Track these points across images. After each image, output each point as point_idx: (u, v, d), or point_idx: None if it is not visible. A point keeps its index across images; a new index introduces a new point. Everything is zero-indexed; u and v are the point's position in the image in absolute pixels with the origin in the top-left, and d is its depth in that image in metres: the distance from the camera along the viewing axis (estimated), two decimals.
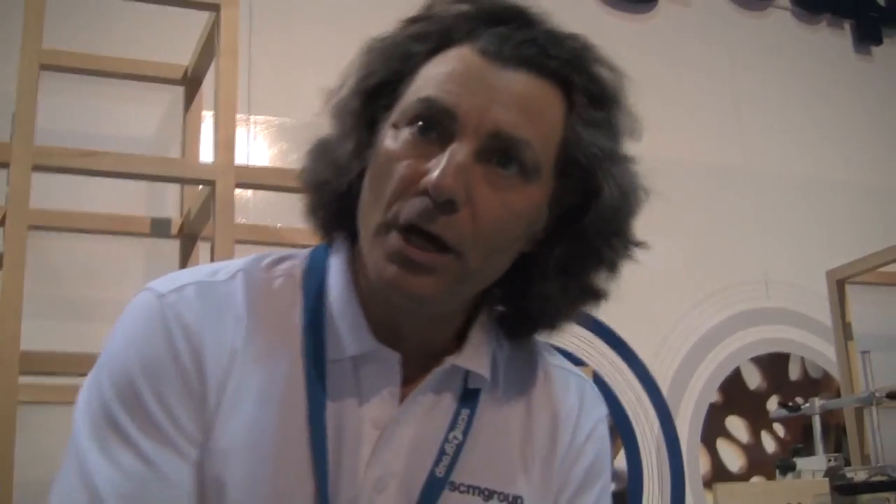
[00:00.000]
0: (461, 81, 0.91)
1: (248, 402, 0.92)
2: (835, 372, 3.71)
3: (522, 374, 1.07)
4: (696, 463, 3.64)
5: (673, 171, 3.83)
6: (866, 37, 4.49)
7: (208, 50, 2.61)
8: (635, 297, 3.52)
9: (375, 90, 0.96)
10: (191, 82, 2.89)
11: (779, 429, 3.80)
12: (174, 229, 2.78)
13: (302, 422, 0.92)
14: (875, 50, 4.52)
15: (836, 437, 3.76)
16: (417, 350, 0.98)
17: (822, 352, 3.88)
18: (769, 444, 3.78)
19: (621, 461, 3.48)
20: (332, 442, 0.92)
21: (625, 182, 0.98)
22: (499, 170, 0.90)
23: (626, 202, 0.99)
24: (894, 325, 3.87)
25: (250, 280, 0.98)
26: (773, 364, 3.87)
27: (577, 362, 3.32)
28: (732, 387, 3.78)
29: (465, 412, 0.99)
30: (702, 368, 3.74)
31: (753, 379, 3.84)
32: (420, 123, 0.91)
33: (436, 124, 0.90)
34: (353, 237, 0.99)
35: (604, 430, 1.11)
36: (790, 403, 3.29)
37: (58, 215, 2.65)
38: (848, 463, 3.15)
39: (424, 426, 0.97)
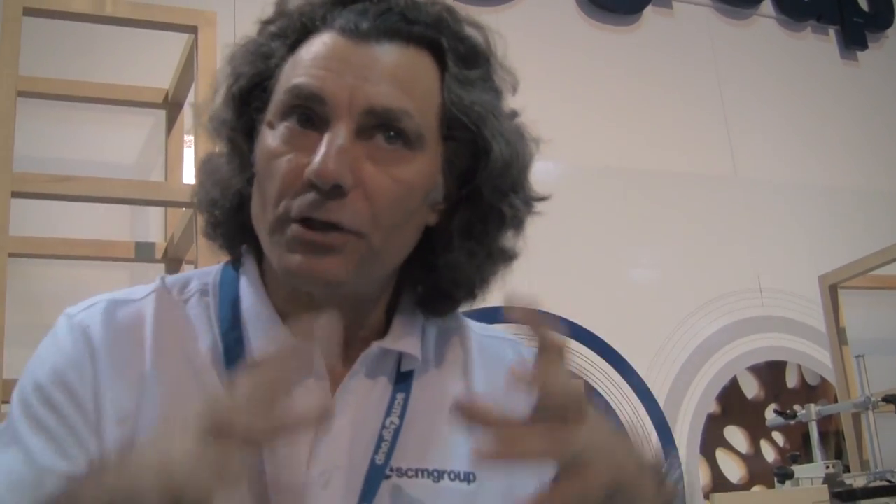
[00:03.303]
0: (325, 64, 0.90)
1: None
2: (832, 378, 3.69)
3: (455, 349, 1.06)
4: (696, 474, 3.61)
5: (662, 181, 3.83)
6: (852, 42, 4.50)
7: (188, 72, 2.60)
8: (629, 309, 3.56)
9: (244, 95, 0.95)
10: (172, 105, 2.88)
11: (778, 437, 3.78)
12: (158, 253, 2.77)
13: None
14: (861, 55, 4.53)
15: (836, 443, 3.74)
16: (346, 338, 0.94)
17: (818, 358, 3.87)
18: (769, 454, 3.76)
19: None
20: (266, 448, 0.90)
21: (512, 136, 0.97)
22: (382, 144, 0.89)
23: (516, 155, 0.97)
24: (888, 328, 3.85)
25: (162, 299, 0.98)
26: (771, 372, 3.85)
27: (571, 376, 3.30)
28: (730, 396, 3.76)
29: (400, 396, 0.98)
30: (698, 379, 3.72)
31: (751, 388, 3.82)
32: (292, 115, 0.90)
33: (308, 112, 0.89)
34: (258, 246, 0.98)
35: None
36: (787, 411, 3.28)
37: (39, 242, 2.63)
38: (847, 469, 3.13)
39: (361, 414, 0.95)
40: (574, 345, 3.45)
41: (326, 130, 0.88)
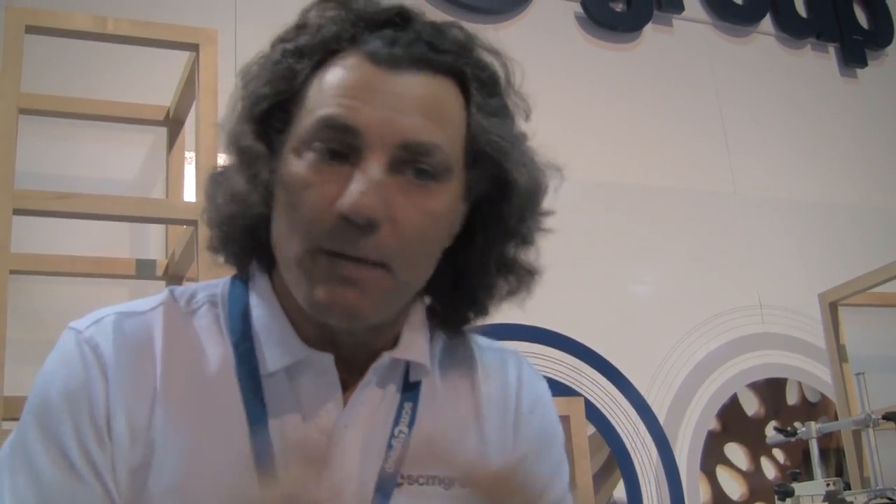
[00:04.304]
0: (357, 94, 0.89)
1: (184, 438, 0.90)
2: (832, 395, 3.69)
3: (462, 361, 1.06)
4: (696, 492, 3.61)
5: (662, 198, 3.84)
6: (851, 60, 4.51)
7: (189, 90, 2.61)
8: (629, 326, 3.56)
9: (266, 116, 0.94)
10: (173, 122, 2.89)
11: (779, 454, 3.77)
12: (159, 270, 2.77)
13: (244, 444, 0.91)
14: (860, 72, 4.54)
15: (836, 460, 3.73)
16: (357, 350, 0.97)
17: (818, 375, 3.86)
18: (769, 471, 3.75)
19: (620, 491, 3.45)
20: (280, 457, 0.91)
21: (532, 166, 0.99)
22: (412, 178, 0.89)
23: (537, 185, 0.99)
24: (888, 345, 3.85)
25: (171, 311, 0.98)
26: (771, 389, 3.84)
27: (571, 393, 3.30)
28: (730, 414, 3.75)
29: (408, 405, 0.98)
30: (699, 396, 3.71)
31: (751, 405, 3.82)
32: (324, 145, 0.89)
33: (340, 143, 0.88)
34: (268, 262, 0.98)
35: (548, 399, 1.13)
36: (788, 428, 3.27)
37: (40, 259, 2.64)
38: (848, 486, 3.12)
39: (372, 424, 0.96)
40: (574, 361, 3.45)
41: (358, 162, 0.87)
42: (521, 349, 3.30)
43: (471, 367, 1.06)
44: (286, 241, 0.91)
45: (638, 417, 3.55)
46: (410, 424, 0.97)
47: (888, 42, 4.64)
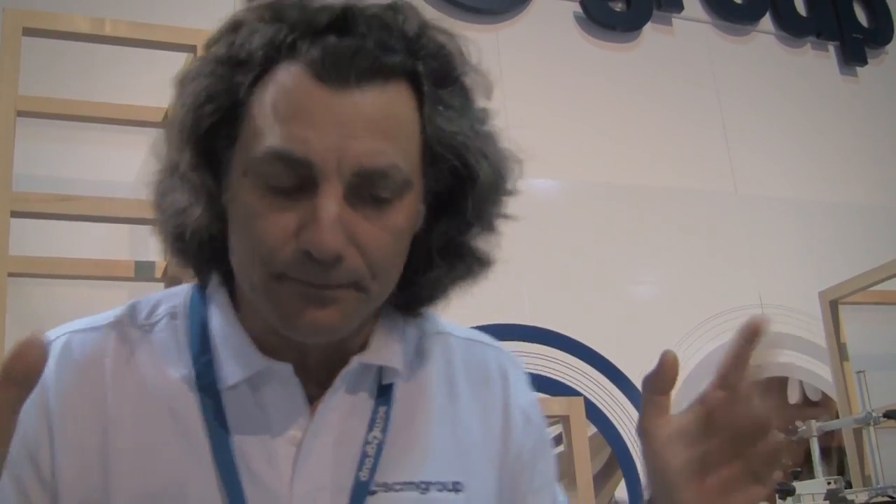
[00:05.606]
0: (305, 119, 0.84)
1: (143, 458, 0.89)
2: (833, 393, 3.68)
3: (437, 358, 1.04)
4: None
5: (662, 197, 3.84)
6: (851, 58, 4.50)
7: None
8: (630, 326, 3.56)
9: (209, 134, 0.89)
10: None
11: None
12: (158, 272, 2.76)
13: (207, 462, 0.89)
14: (860, 71, 4.54)
15: (837, 459, 3.73)
16: (326, 357, 0.95)
17: (819, 374, 3.86)
18: None
19: (622, 491, 3.45)
20: (245, 472, 0.89)
21: (496, 157, 0.94)
22: (371, 201, 0.86)
23: (500, 175, 0.94)
24: (889, 343, 3.84)
25: (126, 327, 0.96)
26: (772, 388, 3.83)
27: (571, 392, 3.30)
28: None
29: (382, 409, 0.96)
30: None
31: None
32: (273, 173, 0.85)
33: (293, 176, 0.84)
34: (227, 271, 0.95)
35: (533, 397, 1.10)
36: (789, 427, 3.27)
37: (39, 261, 2.63)
38: (849, 485, 3.12)
39: (344, 432, 0.94)
40: (576, 362, 3.45)
41: (314, 191, 0.84)
42: (521, 349, 3.32)
43: (447, 365, 1.04)
44: (247, 265, 0.88)
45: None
46: (385, 429, 0.95)
47: (888, 40, 4.64)
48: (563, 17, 3.98)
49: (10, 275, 2.20)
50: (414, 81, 0.89)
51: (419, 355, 1.03)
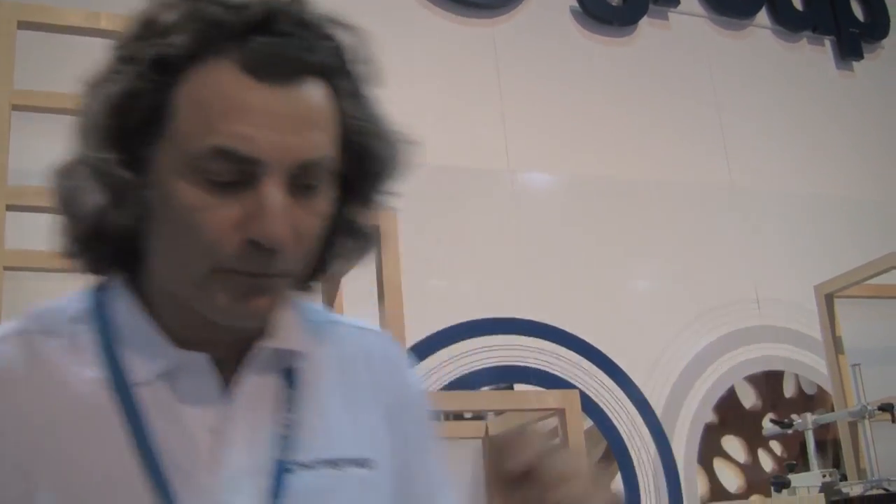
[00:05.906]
0: (246, 117, 0.86)
1: (65, 465, 0.89)
2: (828, 387, 3.69)
3: (331, 343, 1.06)
4: (694, 484, 3.62)
5: (658, 192, 3.84)
6: (847, 52, 4.52)
7: None
8: (626, 320, 3.57)
9: (134, 132, 0.89)
10: None
11: (776, 447, 3.79)
12: None
13: (130, 459, 0.90)
14: (856, 65, 4.55)
15: (833, 452, 3.74)
16: (236, 345, 0.96)
17: (815, 367, 3.87)
18: (766, 463, 3.76)
19: (618, 484, 3.46)
20: (169, 465, 0.90)
21: (389, 135, 0.98)
22: (304, 189, 0.89)
23: (395, 154, 0.99)
24: (884, 337, 3.85)
25: (25, 336, 0.96)
26: (768, 382, 3.85)
27: (568, 386, 3.31)
28: (727, 406, 3.76)
29: (289, 391, 0.98)
30: (696, 389, 3.72)
31: (748, 398, 3.83)
32: (219, 173, 0.86)
33: (237, 172, 0.86)
34: (131, 268, 0.96)
35: (421, 383, 1.16)
36: (784, 420, 3.28)
37: (34, 255, 2.63)
38: (844, 477, 3.13)
39: (257, 415, 0.96)
40: (572, 356, 3.46)
41: (255, 185, 0.86)
42: (517, 343, 3.32)
43: (340, 351, 1.07)
44: (181, 262, 0.90)
45: (635, 411, 3.56)
46: (293, 410, 0.97)
47: (884, 35, 4.65)
48: (559, 12, 3.99)
49: (6, 268, 2.19)
50: (328, 75, 0.92)
51: (317, 340, 1.05)
